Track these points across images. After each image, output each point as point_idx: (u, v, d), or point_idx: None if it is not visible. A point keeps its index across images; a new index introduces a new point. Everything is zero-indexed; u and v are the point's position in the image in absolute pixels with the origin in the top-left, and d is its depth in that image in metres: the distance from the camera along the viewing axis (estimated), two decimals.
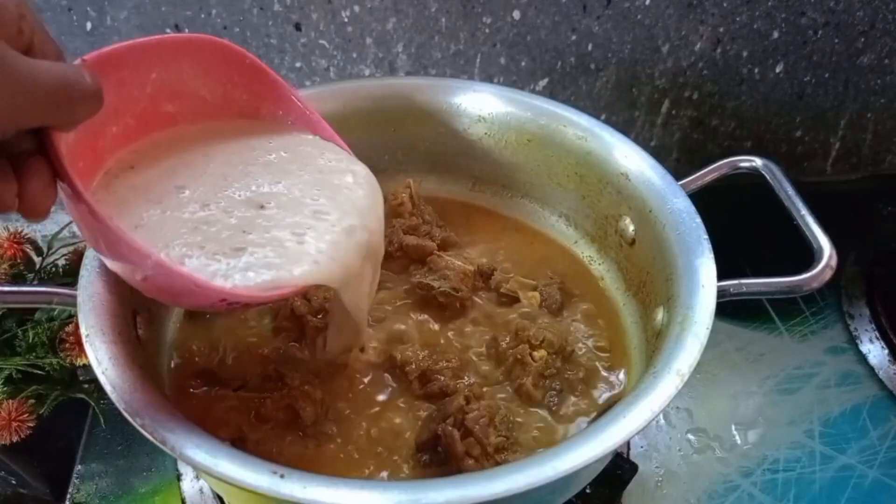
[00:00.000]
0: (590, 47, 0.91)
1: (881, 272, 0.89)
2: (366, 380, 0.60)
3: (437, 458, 0.55)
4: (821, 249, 0.56)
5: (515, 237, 0.75)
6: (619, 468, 0.68)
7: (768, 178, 0.63)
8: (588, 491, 0.65)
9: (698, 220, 0.59)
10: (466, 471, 0.52)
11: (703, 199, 0.62)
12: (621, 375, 0.63)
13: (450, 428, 0.54)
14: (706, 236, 0.58)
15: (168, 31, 0.82)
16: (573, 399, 0.61)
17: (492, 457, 0.54)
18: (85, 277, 0.53)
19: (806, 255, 0.56)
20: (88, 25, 0.81)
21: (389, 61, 0.88)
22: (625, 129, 0.97)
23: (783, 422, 0.76)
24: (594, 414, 0.60)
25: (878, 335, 0.84)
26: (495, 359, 0.63)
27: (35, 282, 0.75)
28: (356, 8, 0.83)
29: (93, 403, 0.73)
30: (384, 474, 0.55)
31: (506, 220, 0.77)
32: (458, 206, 0.77)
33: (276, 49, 0.85)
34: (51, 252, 0.77)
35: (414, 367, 0.59)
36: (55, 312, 0.71)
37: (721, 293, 0.54)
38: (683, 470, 0.72)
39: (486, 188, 0.79)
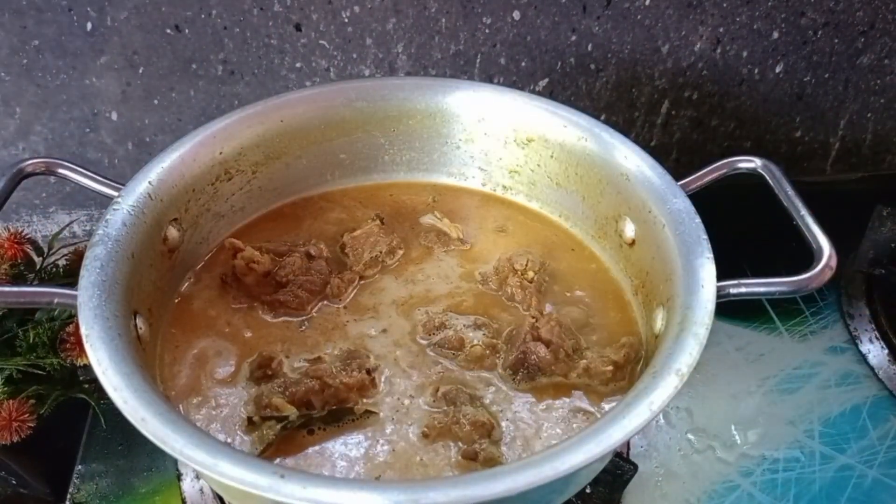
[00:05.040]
0: (590, 47, 0.91)
1: (881, 272, 0.89)
2: None
3: (528, 369, 0.61)
4: (820, 249, 0.56)
5: (515, 236, 0.75)
6: (619, 468, 0.68)
7: (768, 178, 0.63)
8: (588, 491, 0.65)
9: (698, 220, 0.59)
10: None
11: (703, 200, 0.62)
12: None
13: (532, 343, 0.61)
14: (706, 236, 0.58)
15: (169, 31, 0.82)
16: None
17: (571, 357, 0.61)
18: (85, 278, 0.53)
19: (806, 255, 0.56)
20: (89, 26, 0.81)
21: (389, 62, 0.89)
22: (625, 129, 0.98)
23: (783, 422, 0.76)
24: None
25: (877, 335, 0.84)
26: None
27: (35, 282, 0.75)
28: (356, 8, 0.83)
29: (93, 403, 0.73)
30: None
31: (505, 219, 0.77)
32: (456, 206, 0.77)
33: (277, 49, 0.85)
34: (51, 252, 0.77)
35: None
36: (56, 312, 0.71)
37: (721, 293, 0.54)
38: (683, 470, 0.72)
39: (485, 188, 0.79)
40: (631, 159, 0.66)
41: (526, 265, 0.68)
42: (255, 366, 0.60)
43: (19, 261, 0.74)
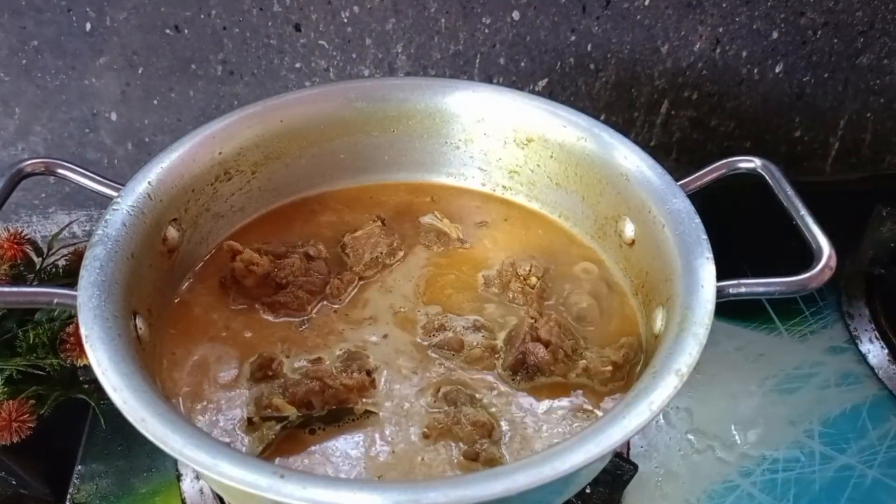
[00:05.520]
0: (589, 48, 0.91)
1: (881, 272, 0.89)
2: None
3: (527, 369, 0.61)
4: (820, 249, 0.56)
5: (514, 237, 0.75)
6: (619, 468, 0.68)
7: (767, 178, 0.63)
8: (588, 491, 0.65)
9: (698, 220, 0.59)
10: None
11: (702, 199, 0.62)
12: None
13: (531, 343, 0.61)
14: (705, 236, 0.58)
15: (168, 31, 0.82)
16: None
17: (570, 357, 0.61)
18: (85, 278, 0.53)
19: (805, 255, 0.56)
20: (88, 26, 0.81)
21: (389, 62, 0.89)
22: (624, 129, 0.98)
23: (783, 422, 0.76)
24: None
25: (877, 335, 0.84)
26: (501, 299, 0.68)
27: (35, 282, 0.75)
28: (356, 8, 0.84)
29: (93, 404, 0.73)
30: None
31: (505, 219, 0.77)
32: (456, 206, 0.78)
33: (276, 50, 0.85)
34: (51, 253, 0.77)
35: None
36: (55, 313, 0.71)
37: (720, 293, 0.54)
38: (683, 470, 0.72)
39: (485, 188, 0.79)
40: (630, 159, 0.66)
41: (529, 271, 0.68)
42: (256, 366, 0.60)
43: (19, 261, 0.73)
